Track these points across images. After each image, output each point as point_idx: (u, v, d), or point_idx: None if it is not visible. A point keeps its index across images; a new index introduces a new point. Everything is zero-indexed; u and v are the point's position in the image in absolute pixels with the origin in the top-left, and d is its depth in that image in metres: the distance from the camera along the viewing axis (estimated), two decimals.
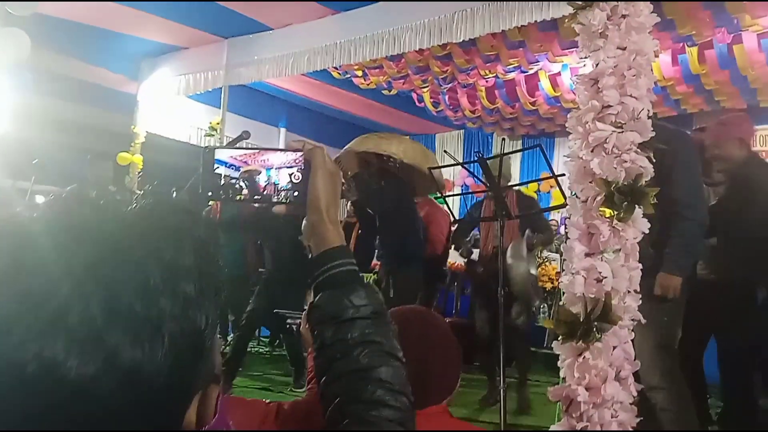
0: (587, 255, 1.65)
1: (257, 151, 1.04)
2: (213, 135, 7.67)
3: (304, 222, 0.92)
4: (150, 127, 7.91)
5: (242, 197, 1.00)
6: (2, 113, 3.56)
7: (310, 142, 0.97)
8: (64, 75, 6.94)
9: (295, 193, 0.97)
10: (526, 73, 7.69)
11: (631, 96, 1.66)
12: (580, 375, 1.60)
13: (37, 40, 4.89)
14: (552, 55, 6.96)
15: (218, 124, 7.55)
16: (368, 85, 8.14)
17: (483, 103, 8.42)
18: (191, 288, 0.55)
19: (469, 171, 5.09)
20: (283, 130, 9.56)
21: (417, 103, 8.85)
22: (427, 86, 8.27)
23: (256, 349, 6.88)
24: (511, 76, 7.71)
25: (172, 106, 7.92)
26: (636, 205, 1.63)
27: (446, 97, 8.54)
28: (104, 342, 0.49)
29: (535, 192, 9.43)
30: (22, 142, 4.42)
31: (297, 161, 0.98)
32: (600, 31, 1.71)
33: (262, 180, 0.99)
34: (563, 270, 2.13)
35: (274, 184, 0.98)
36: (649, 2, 1.73)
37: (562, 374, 1.63)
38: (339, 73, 7.76)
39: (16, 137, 3.83)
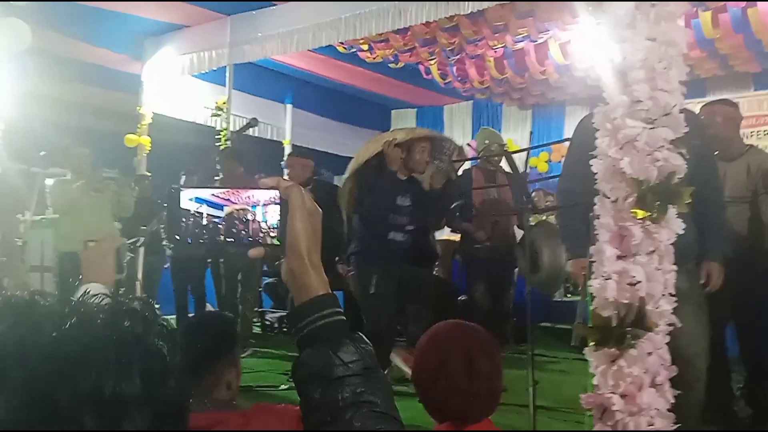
0: (619, 258, 1.59)
1: (228, 190, 0.92)
2: (219, 115, 7.57)
3: (282, 266, 0.86)
4: (156, 107, 7.84)
5: (223, 239, 0.92)
6: (7, 99, 3.50)
7: (285, 180, 0.89)
8: (66, 57, 6.84)
9: (272, 236, 0.90)
10: (535, 42, 7.51)
11: (662, 90, 1.58)
12: (614, 383, 1.56)
13: (39, 22, 4.81)
14: (563, 24, 6.78)
15: (224, 103, 7.46)
16: (374, 58, 7.99)
17: (492, 73, 8.25)
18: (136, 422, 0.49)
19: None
20: (289, 106, 9.45)
21: (424, 75, 8.69)
22: (434, 58, 8.11)
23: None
24: (520, 45, 7.54)
25: (178, 85, 7.81)
26: (670, 205, 1.56)
27: (454, 69, 8.38)
28: None
29: (546, 161, 9.33)
30: (28, 127, 4.37)
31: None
32: (627, 21, 1.62)
33: (249, 218, 0.92)
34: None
35: (262, 223, 0.91)
36: None
37: (595, 381, 1.58)
38: (344, 48, 7.61)
39: (21, 122, 3.78)
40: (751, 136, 7.75)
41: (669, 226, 1.57)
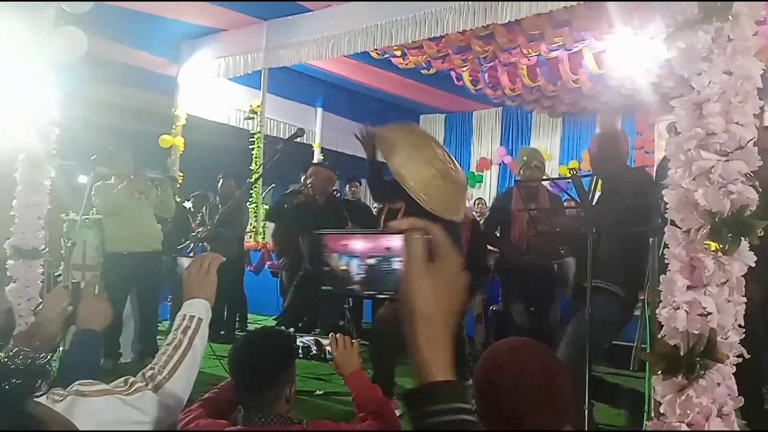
0: (689, 288, 1.61)
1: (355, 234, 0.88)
2: (253, 118, 7.66)
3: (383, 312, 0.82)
4: (190, 109, 7.96)
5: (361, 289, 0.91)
6: (63, 105, 3.60)
7: (421, 222, 0.74)
8: (107, 59, 6.97)
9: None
10: (570, 51, 7.51)
11: (737, 123, 1.60)
12: (681, 412, 1.57)
13: (84, 26, 4.90)
14: (599, 33, 6.77)
15: (258, 107, 7.55)
16: (407, 64, 8.04)
17: (524, 81, 8.26)
18: None
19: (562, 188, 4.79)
20: (320, 110, 9.52)
21: (456, 82, 8.72)
22: (467, 65, 8.14)
23: None
24: (554, 54, 7.53)
25: (212, 88, 7.93)
26: (742, 238, 1.58)
27: (486, 76, 8.40)
28: None
29: (575, 170, 9.30)
30: (76, 131, 4.46)
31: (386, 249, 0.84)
32: (704, 54, 1.64)
33: (333, 264, 0.90)
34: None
35: (345, 271, 0.89)
36: (754, 25, 1.65)
37: (662, 409, 1.60)
38: (378, 53, 7.66)
39: (71, 126, 3.88)
40: None
41: (741, 259, 1.59)
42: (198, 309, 1.52)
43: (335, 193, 5.11)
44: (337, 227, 4.68)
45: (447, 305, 0.72)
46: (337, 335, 2.08)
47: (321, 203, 4.85)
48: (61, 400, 1.20)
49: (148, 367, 1.41)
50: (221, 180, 6.03)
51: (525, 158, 4.46)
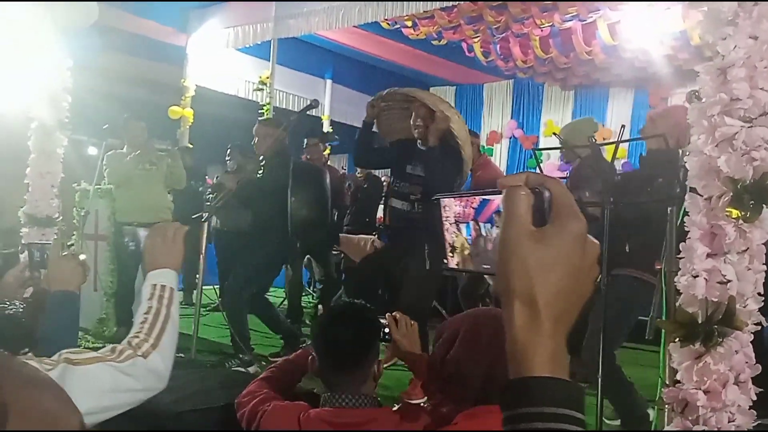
0: (709, 256, 1.60)
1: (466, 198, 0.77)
2: (262, 89, 7.61)
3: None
4: (199, 80, 7.91)
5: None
6: (68, 72, 3.58)
7: (538, 176, 0.59)
8: (114, 28, 6.91)
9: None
10: (584, 22, 7.38)
11: (762, 89, 1.57)
12: (698, 379, 1.58)
13: None
14: (614, 3, 6.65)
15: (267, 78, 7.49)
16: (417, 35, 7.93)
17: (536, 52, 8.14)
18: None
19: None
20: (329, 81, 9.45)
21: (467, 53, 8.61)
22: (478, 36, 8.02)
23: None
24: (568, 24, 7.41)
25: (221, 59, 7.87)
26: (764, 205, 1.56)
27: (497, 47, 8.29)
28: None
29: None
30: (87, 100, 4.45)
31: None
32: (729, 18, 1.60)
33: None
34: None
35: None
36: None
37: (678, 376, 1.60)
38: (388, 24, 7.56)
39: (81, 95, 3.88)
40: None
41: (762, 227, 1.57)
42: (168, 278, 1.50)
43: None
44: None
45: (562, 282, 0.56)
46: (397, 315, 1.92)
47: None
48: (52, 369, 1.18)
49: (133, 335, 1.40)
50: (230, 150, 6.02)
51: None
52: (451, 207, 0.79)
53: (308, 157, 5.87)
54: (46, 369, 1.16)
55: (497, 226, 0.68)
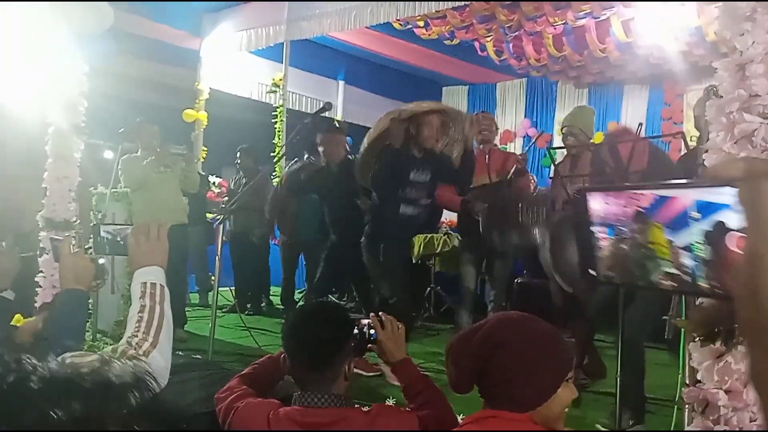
0: None
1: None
2: (275, 91, 7.64)
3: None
4: (213, 83, 7.96)
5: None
6: (84, 77, 3.61)
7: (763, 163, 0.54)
8: (129, 32, 6.98)
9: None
10: (597, 19, 7.33)
11: None
12: (719, 378, 1.56)
13: None
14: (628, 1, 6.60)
15: (281, 80, 7.52)
16: (430, 35, 7.92)
17: (549, 50, 8.09)
18: None
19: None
20: (341, 83, 9.46)
21: (479, 52, 8.58)
22: (491, 35, 7.99)
23: None
24: (581, 22, 7.36)
25: (235, 61, 7.91)
26: None
27: (510, 46, 8.25)
28: None
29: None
30: (103, 104, 4.50)
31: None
32: (747, 13, 1.58)
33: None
34: None
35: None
36: None
37: (699, 376, 1.59)
38: (400, 24, 7.56)
39: (98, 99, 3.92)
40: None
41: None
42: (156, 275, 1.49)
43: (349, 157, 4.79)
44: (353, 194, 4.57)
45: None
46: (383, 316, 1.89)
47: (335, 170, 4.56)
48: None
49: (131, 335, 1.40)
50: (239, 153, 6.05)
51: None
52: (600, 205, 0.67)
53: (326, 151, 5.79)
54: None
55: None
